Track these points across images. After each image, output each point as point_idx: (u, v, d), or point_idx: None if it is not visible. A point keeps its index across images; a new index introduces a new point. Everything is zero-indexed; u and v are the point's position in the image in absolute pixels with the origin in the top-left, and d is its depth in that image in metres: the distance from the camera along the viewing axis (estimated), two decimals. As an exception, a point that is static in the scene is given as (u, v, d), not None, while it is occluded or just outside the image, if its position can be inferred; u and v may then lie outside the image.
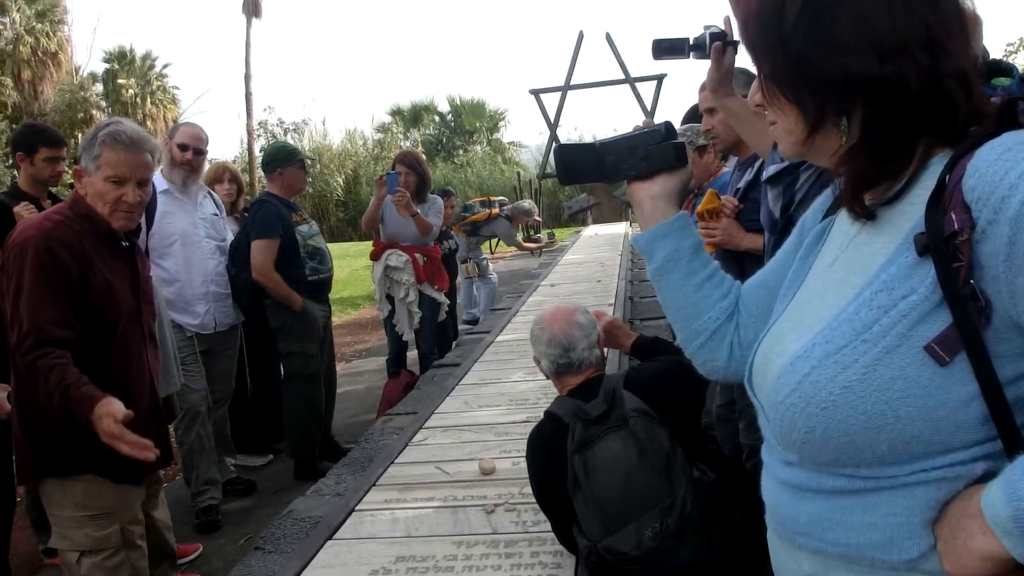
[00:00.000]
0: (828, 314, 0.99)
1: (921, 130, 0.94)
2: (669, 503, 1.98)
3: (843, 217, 1.07)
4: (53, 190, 3.86)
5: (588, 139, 1.48)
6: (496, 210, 8.41)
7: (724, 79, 2.16)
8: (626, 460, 2.02)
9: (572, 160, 1.34)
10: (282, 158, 4.70)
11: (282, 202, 4.59)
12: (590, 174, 1.35)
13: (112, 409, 2.06)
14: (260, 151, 26.51)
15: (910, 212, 0.94)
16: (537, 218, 9.56)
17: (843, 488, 0.97)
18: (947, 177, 0.89)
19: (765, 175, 2.41)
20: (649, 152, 1.26)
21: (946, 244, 0.86)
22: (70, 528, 2.33)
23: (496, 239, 9.24)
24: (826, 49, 0.95)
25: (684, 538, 1.98)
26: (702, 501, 2.03)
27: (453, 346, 6.50)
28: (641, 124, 1.36)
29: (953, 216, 0.86)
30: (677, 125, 3.63)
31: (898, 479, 0.92)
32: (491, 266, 9.00)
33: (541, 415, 3.63)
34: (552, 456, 2.17)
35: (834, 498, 0.98)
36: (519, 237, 8.56)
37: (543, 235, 9.28)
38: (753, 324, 1.22)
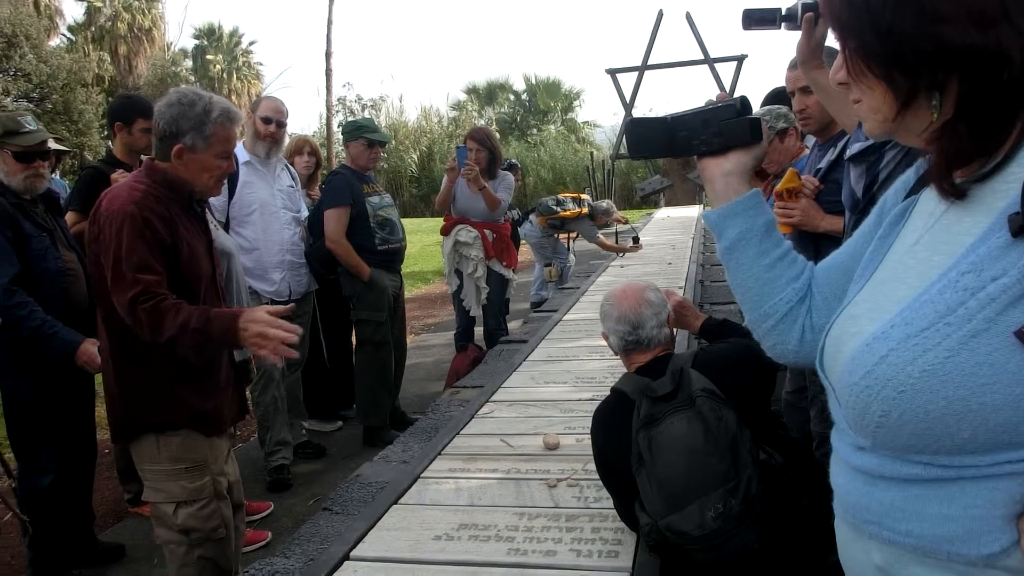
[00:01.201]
0: (909, 295, 0.95)
1: (1022, 103, 0.89)
2: (733, 484, 1.95)
3: (928, 196, 1.03)
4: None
5: None
6: (585, 210, 8.37)
7: (815, 51, 2.10)
8: (691, 439, 2.00)
9: (643, 134, 1.31)
10: (347, 132, 4.87)
11: (355, 174, 4.69)
12: (661, 149, 1.33)
13: (256, 315, 2.22)
14: (338, 127, 26.95)
15: (1004, 191, 0.89)
16: (618, 217, 9.34)
17: (918, 476, 0.93)
18: None
19: (849, 153, 2.33)
20: (723, 127, 1.23)
21: None
22: (165, 481, 2.42)
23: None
24: (919, 20, 0.90)
25: (747, 521, 1.95)
26: (768, 485, 2.00)
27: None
28: (715, 98, 1.33)
29: None
30: (756, 109, 3.54)
31: (980, 470, 0.88)
32: (571, 256, 9.00)
33: (607, 394, 3.64)
34: (617, 432, 2.16)
35: (908, 487, 0.95)
36: (601, 236, 8.43)
37: (628, 238, 9.03)
38: (826, 307, 1.19)
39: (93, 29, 26.91)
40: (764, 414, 2.29)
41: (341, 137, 5.07)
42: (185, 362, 2.37)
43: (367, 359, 4.73)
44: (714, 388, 2.08)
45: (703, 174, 1.27)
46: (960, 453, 0.89)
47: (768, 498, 1.99)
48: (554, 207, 8.27)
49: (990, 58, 0.88)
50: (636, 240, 8.71)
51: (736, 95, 1.32)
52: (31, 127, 3.13)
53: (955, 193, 0.94)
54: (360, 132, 4.73)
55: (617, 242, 8.84)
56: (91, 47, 25.37)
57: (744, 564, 1.97)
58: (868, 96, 0.99)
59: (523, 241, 8.46)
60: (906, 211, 1.08)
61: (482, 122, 30.79)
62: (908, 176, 1.13)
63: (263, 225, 4.20)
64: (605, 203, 9.00)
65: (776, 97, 3.82)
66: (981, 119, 0.90)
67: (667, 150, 1.31)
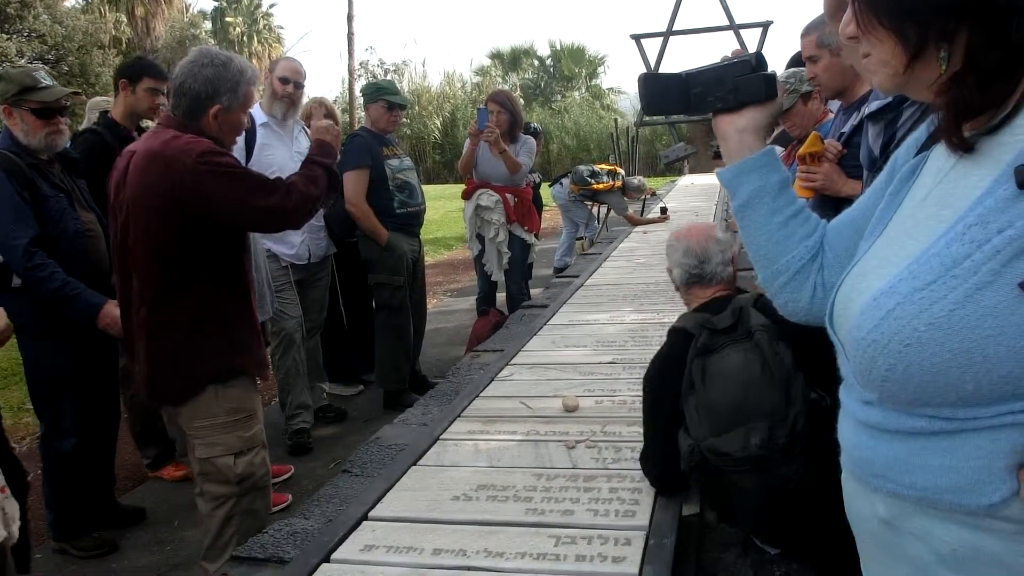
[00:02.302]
0: (916, 249, 0.95)
1: None
2: (782, 417, 1.95)
3: (938, 152, 1.03)
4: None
5: None
6: (619, 183, 8.34)
7: (842, 3, 2.07)
8: (746, 372, 2.00)
9: (657, 90, 1.30)
10: (367, 94, 4.85)
11: (375, 136, 4.68)
12: (676, 105, 1.31)
13: (319, 125, 2.73)
14: (360, 92, 26.85)
15: (1011, 144, 0.89)
16: (650, 192, 9.33)
17: (923, 429, 0.94)
18: None
19: (867, 110, 2.30)
20: (738, 84, 1.22)
21: None
22: (221, 434, 2.47)
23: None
24: None
25: (790, 454, 1.94)
26: (815, 424, 1.98)
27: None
28: (730, 54, 1.31)
29: None
30: (781, 72, 3.47)
31: (982, 421, 0.89)
32: (604, 228, 9.02)
33: (627, 357, 3.63)
34: (673, 365, 2.16)
35: (913, 439, 0.96)
36: (630, 211, 8.42)
37: (656, 208, 9.02)
38: (838, 265, 1.19)
39: (109, -11, 26.51)
40: (820, 359, 2.26)
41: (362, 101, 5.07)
42: (233, 310, 2.47)
43: (385, 323, 4.76)
44: (773, 326, 2.07)
45: (717, 131, 1.26)
46: (964, 405, 0.90)
47: (814, 437, 1.97)
48: (588, 178, 8.22)
49: (1000, 9, 0.87)
50: (664, 211, 8.68)
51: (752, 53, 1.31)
52: (47, 82, 3.09)
53: (963, 146, 0.94)
54: (380, 94, 4.71)
55: (643, 213, 8.81)
56: (107, 8, 24.82)
57: (779, 496, 1.97)
58: (878, 49, 0.99)
59: (546, 206, 8.44)
60: (917, 167, 1.08)
61: (506, 88, 30.56)
62: (920, 133, 1.12)
63: (282, 188, 4.21)
64: (637, 180, 9.00)
65: (800, 60, 3.76)
66: (989, 71, 0.90)
67: (682, 107, 1.30)
